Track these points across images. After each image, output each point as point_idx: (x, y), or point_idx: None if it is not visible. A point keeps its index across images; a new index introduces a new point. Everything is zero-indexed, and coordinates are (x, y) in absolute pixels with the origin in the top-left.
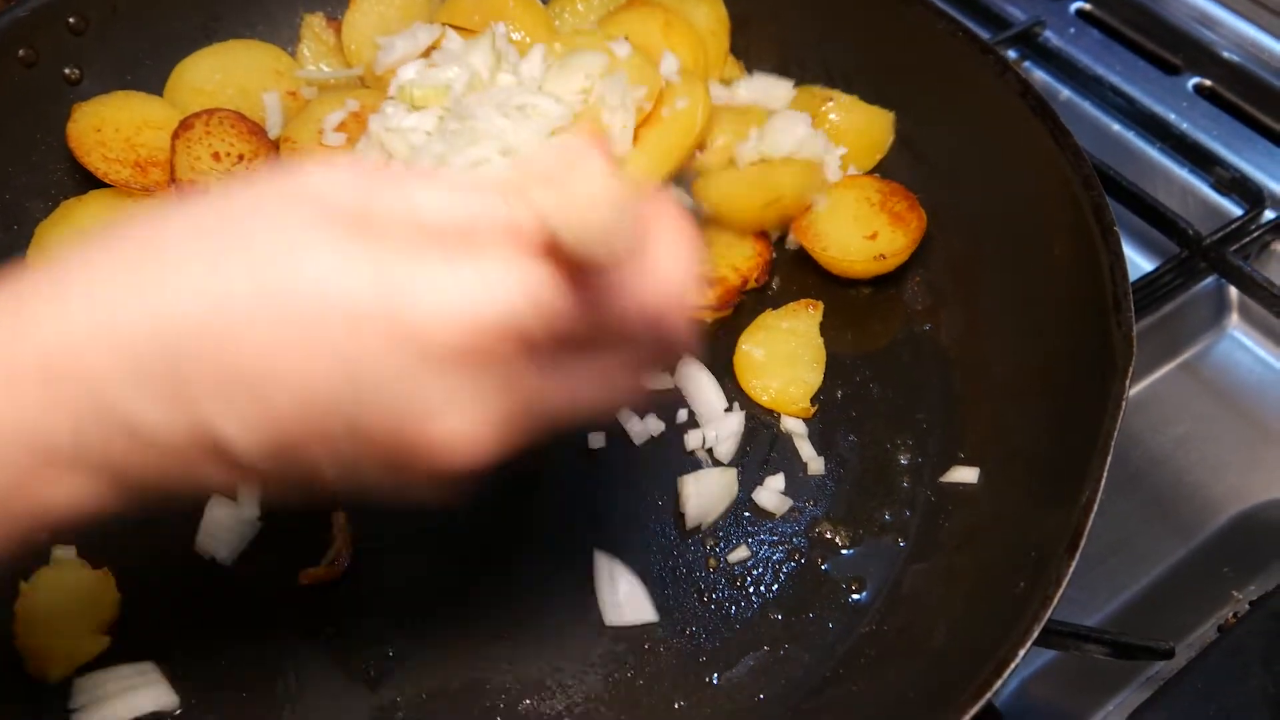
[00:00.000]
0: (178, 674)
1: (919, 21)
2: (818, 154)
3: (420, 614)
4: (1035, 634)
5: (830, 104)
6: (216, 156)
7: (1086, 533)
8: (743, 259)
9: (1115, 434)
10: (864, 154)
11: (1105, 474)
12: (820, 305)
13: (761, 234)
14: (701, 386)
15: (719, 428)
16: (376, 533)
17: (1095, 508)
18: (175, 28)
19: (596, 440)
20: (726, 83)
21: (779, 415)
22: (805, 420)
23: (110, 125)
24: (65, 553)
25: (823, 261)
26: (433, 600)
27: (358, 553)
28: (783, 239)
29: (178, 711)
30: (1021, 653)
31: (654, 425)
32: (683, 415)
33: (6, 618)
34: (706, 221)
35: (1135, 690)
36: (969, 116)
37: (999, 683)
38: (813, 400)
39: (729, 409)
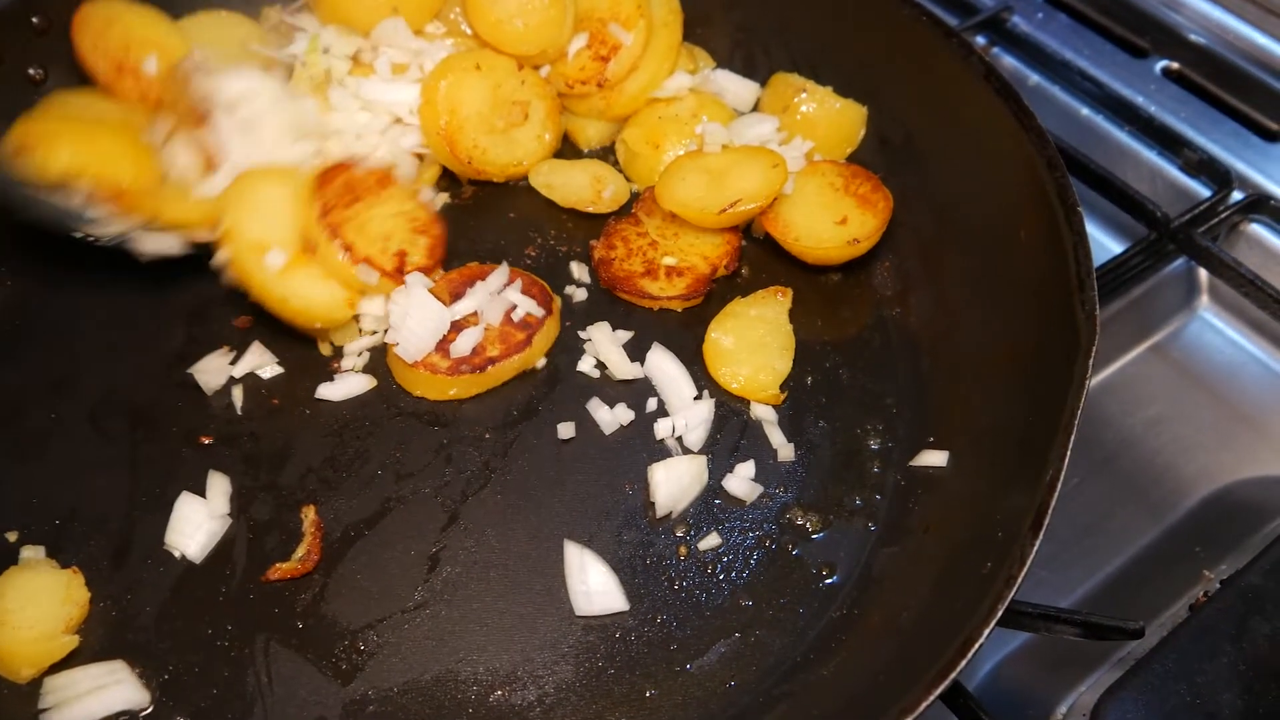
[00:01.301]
0: (148, 672)
1: (881, 7)
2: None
3: (390, 608)
4: (999, 613)
5: (804, 95)
6: None
7: (1050, 511)
8: (711, 247)
9: (1079, 413)
10: (835, 146)
11: (1069, 452)
12: (789, 292)
13: None
14: (671, 375)
15: (688, 416)
16: (346, 527)
17: (1059, 486)
18: None
19: (566, 430)
20: (692, 72)
21: (749, 402)
22: (775, 407)
23: (119, 26)
24: (34, 552)
25: (794, 251)
26: (403, 593)
27: (327, 548)
28: (750, 226)
29: (148, 710)
30: (986, 632)
31: (623, 414)
32: (652, 404)
33: None
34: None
35: (1108, 670)
36: (934, 101)
37: (964, 662)
38: (782, 387)
39: (698, 397)
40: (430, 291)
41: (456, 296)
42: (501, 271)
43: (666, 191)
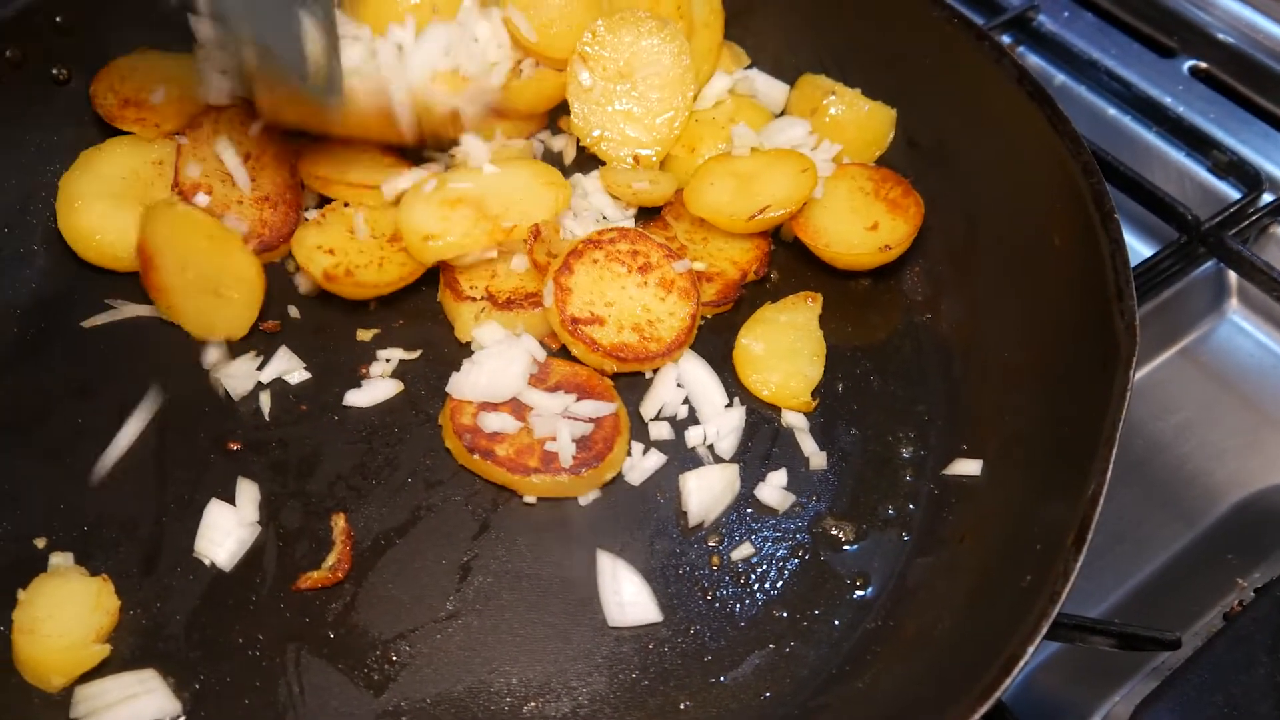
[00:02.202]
0: (179, 681)
1: (913, 8)
2: (811, 155)
3: (422, 618)
4: (1044, 630)
5: (833, 97)
6: None
7: (1094, 525)
8: (741, 252)
9: (1121, 424)
10: (863, 149)
11: (1111, 465)
12: (819, 298)
13: None
14: (701, 382)
15: (720, 424)
16: (376, 535)
17: (1102, 500)
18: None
19: None
20: (729, 71)
21: (780, 410)
22: (806, 414)
23: (138, 75)
24: (63, 559)
25: (825, 256)
26: (434, 603)
27: (358, 557)
28: (779, 230)
29: (181, 719)
30: (1030, 649)
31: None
32: (683, 412)
33: (4, 626)
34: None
35: (1142, 680)
36: (965, 104)
37: (1008, 680)
38: (813, 394)
39: (729, 405)
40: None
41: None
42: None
43: (695, 197)
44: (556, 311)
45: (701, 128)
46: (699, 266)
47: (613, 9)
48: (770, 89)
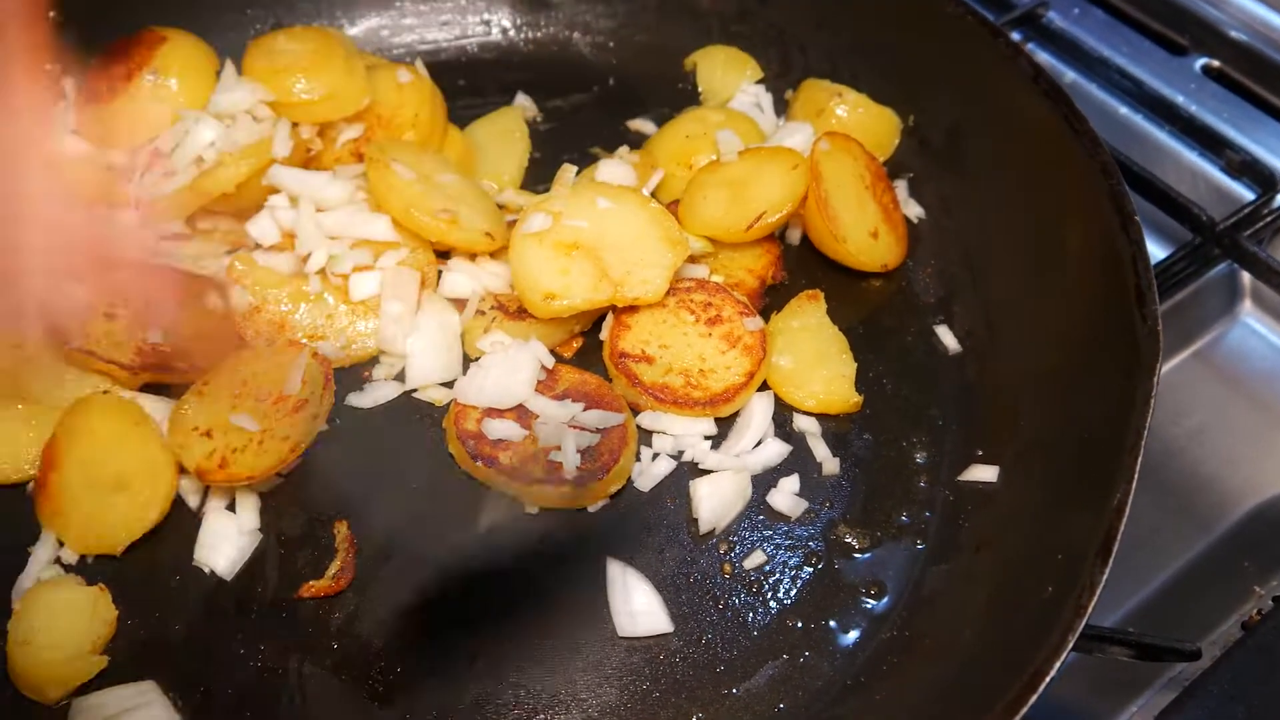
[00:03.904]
0: (179, 693)
1: (923, 4)
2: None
3: (427, 628)
4: (1070, 644)
5: (838, 99)
6: None
7: (1119, 537)
8: (753, 259)
9: (1145, 432)
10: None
11: (1136, 473)
12: (819, 293)
13: None
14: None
15: (763, 455)
16: (380, 544)
17: (1128, 510)
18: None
19: None
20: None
21: (791, 414)
22: (818, 419)
23: None
24: (57, 569)
25: (836, 257)
26: (440, 613)
27: (361, 565)
28: (783, 233)
29: None
30: (1057, 664)
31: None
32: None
33: None
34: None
35: (1160, 691)
36: (978, 102)
37: (1034, 697)
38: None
39: (774, 436)
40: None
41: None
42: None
43: (689, 214)
44: (609, 343)
45: (693, 142)
46: (716, 279)
47: None
48: (768, 111)
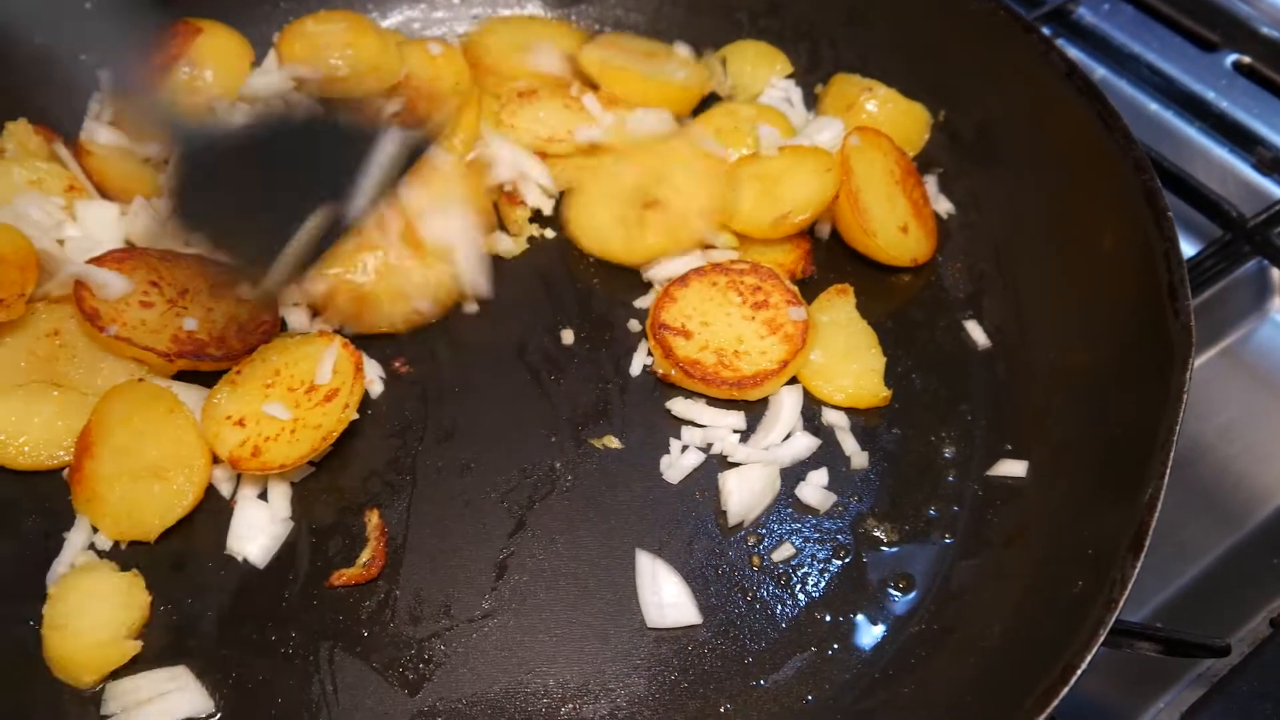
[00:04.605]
0: (212, 679)
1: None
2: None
3: (457, 616)
4: (1101, 638)
5: (868, 94)
6: None
7: (1151, 532)
8: (783, 254)
9: (1178, 427)
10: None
11: (1169, 469)
12: (849, 288)
13: None
14: (794, 405)
15: (793, 448)
16: (410, 532)
17: (1159, 505)
18: None
19: (634, 435)
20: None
21: (820, 407)
22: (847, 413)
23: None
24: (93, 555)
25: (867, 249)
26: (470, 602)
27: (392, 553)
28: (812, 228)
29: (214, 717)
30: (1088, 658)
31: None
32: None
33: (35, 622)
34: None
35: (1188, 687)
36: (1009, 98)
37: (1065, 690)
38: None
39: (803, 430)
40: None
41: None
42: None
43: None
44: (652, 313)
45: (722, 136)
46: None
47: None
48: (798, 106)
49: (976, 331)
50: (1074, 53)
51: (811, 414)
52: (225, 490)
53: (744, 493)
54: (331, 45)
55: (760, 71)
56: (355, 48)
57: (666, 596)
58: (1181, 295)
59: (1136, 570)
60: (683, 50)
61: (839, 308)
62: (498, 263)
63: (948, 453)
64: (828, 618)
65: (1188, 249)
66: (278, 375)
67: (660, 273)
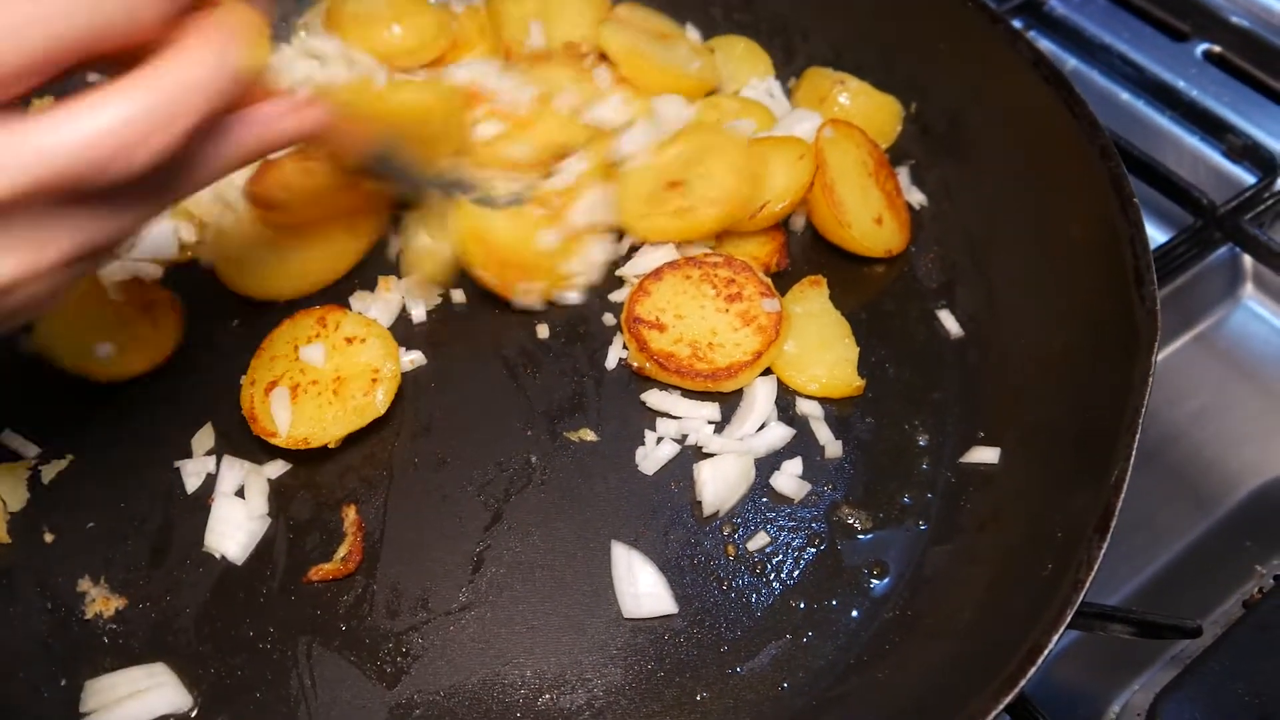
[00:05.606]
0: (189, 675)
1: None
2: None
3: (436, 610)
4: (1068, 618)
5: (840, 87)
6: None
7: (1117, 513)
8: (756, 247)
9: (1143, 410)
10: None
11: (1134, 451)
12: (822, 279)
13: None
14: (767, 397)
15: (768, 437)
16: (387, 527)
17: (1125, 487)
18: None
19: (609, 426)
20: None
21: (794, 397)
22: (821, 402)
23: None
24: None
25: (839, 242)
26: (447, 595)
27: (369, 548)
28: (787, 221)
29: (192, 713)
30: (1054, 639)
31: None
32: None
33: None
34: None
35: (1161, 669)
36: (979, 89)
37: (1032, 670)
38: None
39: (777, 420)
40: None
41: None
42: None
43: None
44: (627, 306)
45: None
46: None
47: None
48: (779, 98)
49: (949, 321)
50: (1046, 45)
51: (786, 404)
52: (191, 485)
53: (719, 483)
54: (385, 17)
55: (744, 69)
56: (407, 20)
57: (642, 587)
58: (1147, 281)
59: (1103, 551)
60: (693, 34)
61: (812, 299)
62: None
63: (921, 441)
64: (803, 605)
65: (1160, 236)
66: None
67: (634, 267)
